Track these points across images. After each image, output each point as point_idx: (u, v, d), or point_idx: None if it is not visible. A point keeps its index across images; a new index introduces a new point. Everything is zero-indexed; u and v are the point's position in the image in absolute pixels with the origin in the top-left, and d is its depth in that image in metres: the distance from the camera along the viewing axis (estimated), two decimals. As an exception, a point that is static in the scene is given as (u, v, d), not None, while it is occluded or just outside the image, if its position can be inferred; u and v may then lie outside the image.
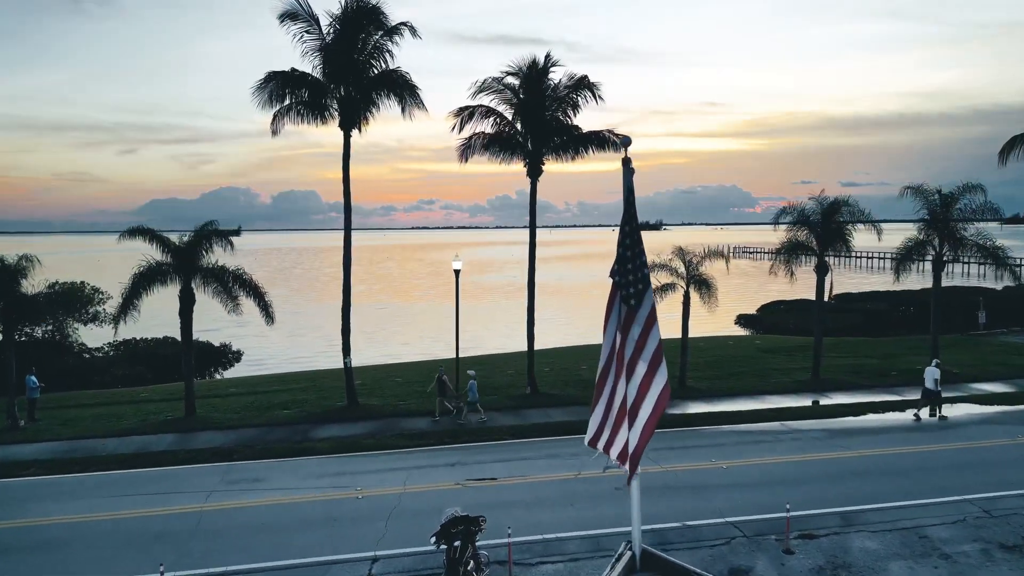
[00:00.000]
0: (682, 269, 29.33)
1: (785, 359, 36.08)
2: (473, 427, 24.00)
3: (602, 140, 28.14)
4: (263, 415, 26.16)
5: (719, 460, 20.41)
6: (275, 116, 27.31)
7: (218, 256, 26.00)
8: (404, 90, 27.27)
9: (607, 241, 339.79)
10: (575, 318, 64.18)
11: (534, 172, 28.43)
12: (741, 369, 33.30)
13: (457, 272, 27.40)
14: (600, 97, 27.33)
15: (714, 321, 45.72)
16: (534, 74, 27.54)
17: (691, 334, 36.64)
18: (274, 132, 27.55)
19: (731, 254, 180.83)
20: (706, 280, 29.10)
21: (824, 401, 27.57)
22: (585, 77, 27.26)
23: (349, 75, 26.54)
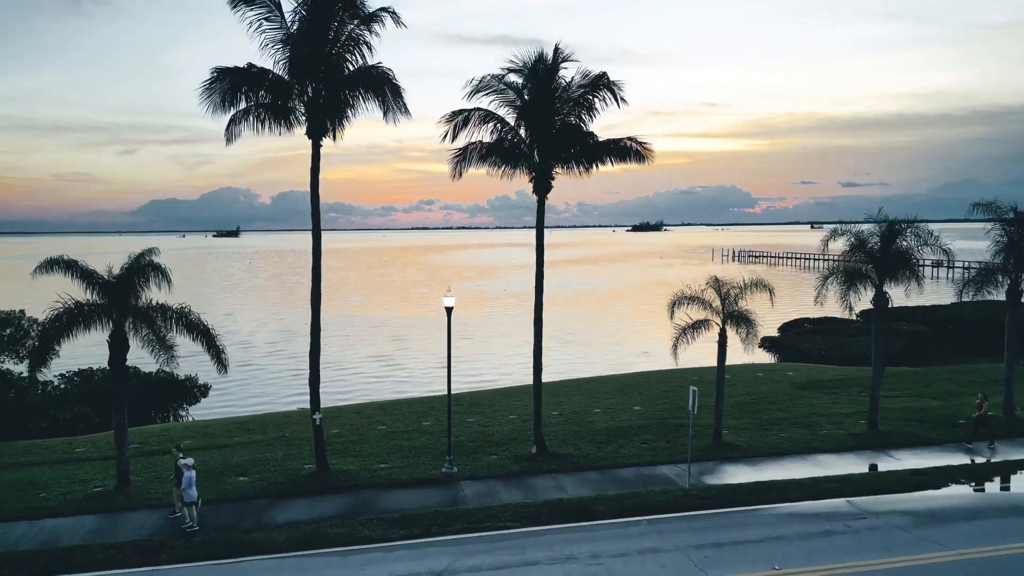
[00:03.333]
0: (717, 303, 24.74)
1: (827, 399, 31.46)
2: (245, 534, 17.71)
3: (623, 150, 23.53)
4: (213, 485, 21.49)
5: (784, 567, 15.82)
6: (230, 122, 22.68)
7: (157, 294, 21.32)
8: (386, 90, 22.69)
9: (609, 243, 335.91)
10: (586, 337, 59.46)
11: (541, 188, 23.83)
12: (781, 414, 28.67)
13: (449, 310, 22.80)
14: (623, 99, 22.71)
15: (736, 346, 41.02)
16: (541, 71, 22.94)
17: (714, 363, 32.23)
18: (228, 141, 22.95)
19: (736, 258, 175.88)
20: (746, 316, 24.51)
21: (890, 464, 22.97)
22: (604, 75, 22.64)
23: (318, 72, 21.93)
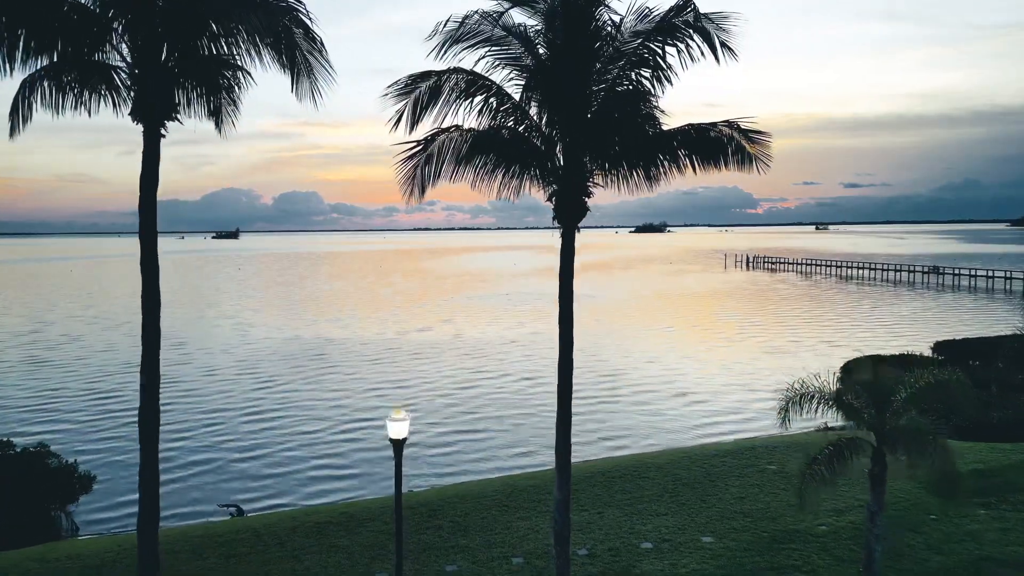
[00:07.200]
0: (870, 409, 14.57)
1: (988, 518, 21.19)
2: None
3: (714, 145, 13.31)
4: None
5: None
6: (18, 95, 12.72)
7: None
8: (295, 39, 12.64)
9: (613, 245, 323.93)
10: (612, 380, 48.81)
11: (569, 211, 13.69)
12: (937, 557, 18.45)
13: (398, 445, 12.67)
14: (727, 46, 12.53)
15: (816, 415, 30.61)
16: (571, 4, 12.80)
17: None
18: (13, 129, 12.94)
19: (750, 264, 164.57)
20: (920, 430, 14.34)
21: None
22: (689, 4, 12.41)
23: (155, -3, 11.88)
